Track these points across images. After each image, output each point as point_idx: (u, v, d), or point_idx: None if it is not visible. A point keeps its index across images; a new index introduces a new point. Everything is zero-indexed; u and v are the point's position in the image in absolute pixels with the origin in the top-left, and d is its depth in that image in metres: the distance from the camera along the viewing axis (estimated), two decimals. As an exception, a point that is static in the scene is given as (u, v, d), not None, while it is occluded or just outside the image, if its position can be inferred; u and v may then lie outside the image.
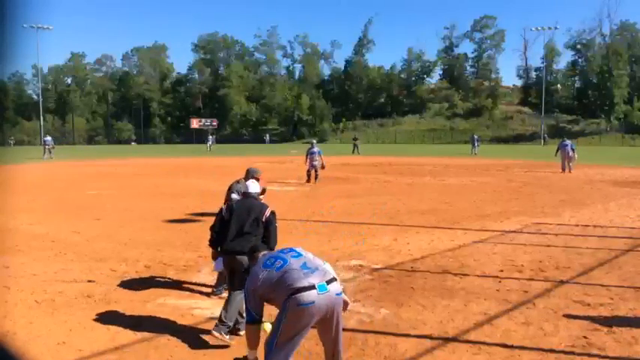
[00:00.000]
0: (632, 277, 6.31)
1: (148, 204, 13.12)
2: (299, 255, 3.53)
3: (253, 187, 4.90)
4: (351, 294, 5.72)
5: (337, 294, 3.36)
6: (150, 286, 6.04)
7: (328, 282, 3.33)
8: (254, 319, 3.56)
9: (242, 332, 4.42)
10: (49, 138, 36.06)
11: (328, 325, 3.39)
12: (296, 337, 3.30)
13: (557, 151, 22.52)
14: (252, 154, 38.70)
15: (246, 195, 4.90)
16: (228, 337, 4.38)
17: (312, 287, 3.24)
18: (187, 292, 5.84)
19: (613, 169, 22.96)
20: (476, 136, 40.15)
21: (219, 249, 4.72)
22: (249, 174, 5.95)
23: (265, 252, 3.87)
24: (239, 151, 45.54)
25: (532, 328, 4.69)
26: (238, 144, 64.19)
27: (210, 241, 4.80)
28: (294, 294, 3.22)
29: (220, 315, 4.44)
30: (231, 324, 4.45)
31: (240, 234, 4.54)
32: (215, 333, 4.33)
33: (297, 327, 3.26)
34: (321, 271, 3.39)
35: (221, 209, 4.81)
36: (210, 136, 50.79)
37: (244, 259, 4.32)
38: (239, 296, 4.38)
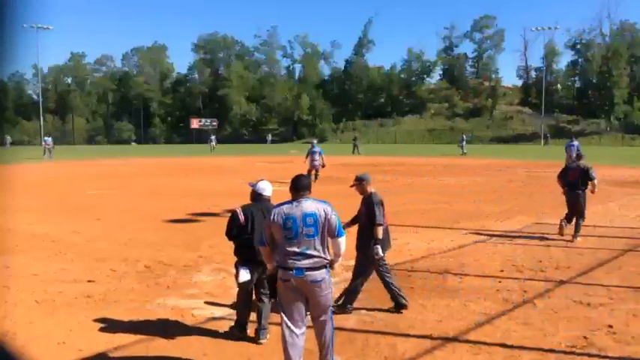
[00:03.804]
0: (632, 277, 6.32)
1: (148, 204, 13.13)
2: None
3: (268, 189, 4.74)
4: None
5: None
6: (150, 286, 6.04)
7: None
8: None
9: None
10: (49, 138, 36.15)
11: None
12: None
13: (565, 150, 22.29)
14: (253, 154, 38.70)
15: (260, 198, 4.70)
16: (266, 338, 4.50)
17: None
18: (187, 293, 5.83)
19: (613, 169, 22.92)
20: (464, 136, 40.39)
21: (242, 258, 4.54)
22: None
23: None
24: (240, 150, 45.50)
25: (532, 328, 4.69)
26: (239, 144, 64.14)
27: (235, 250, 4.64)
28: None
29: (261, 321, 4.52)
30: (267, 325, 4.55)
31: None
32: (262, 340, 4.45)
33: None
34: None
35: (234, 213, 4.59)
36: (213, 136, 49.83)
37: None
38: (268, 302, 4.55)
